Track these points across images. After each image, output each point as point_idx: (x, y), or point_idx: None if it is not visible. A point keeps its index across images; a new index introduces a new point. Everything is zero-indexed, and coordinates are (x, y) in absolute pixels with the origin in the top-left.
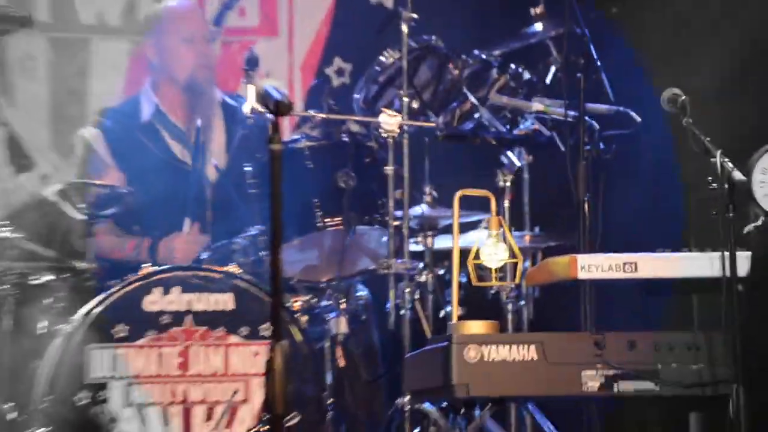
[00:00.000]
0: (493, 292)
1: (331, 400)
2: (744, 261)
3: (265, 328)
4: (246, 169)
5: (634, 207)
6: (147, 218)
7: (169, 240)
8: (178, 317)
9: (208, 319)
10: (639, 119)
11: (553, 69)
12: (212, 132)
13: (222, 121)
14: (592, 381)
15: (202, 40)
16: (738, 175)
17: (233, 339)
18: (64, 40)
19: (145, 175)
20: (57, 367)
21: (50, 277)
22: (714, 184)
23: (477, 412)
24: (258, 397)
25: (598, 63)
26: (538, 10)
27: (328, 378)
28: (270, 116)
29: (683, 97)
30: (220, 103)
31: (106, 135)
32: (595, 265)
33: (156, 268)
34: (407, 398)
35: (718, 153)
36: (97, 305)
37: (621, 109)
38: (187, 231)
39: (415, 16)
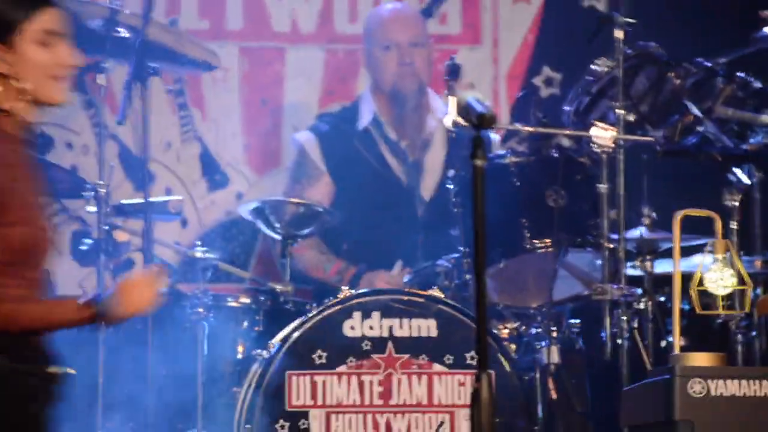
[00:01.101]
0: (719, 321)
1: None
2: None
3: (471, 357)
4: (448, 186)
5: None
6: (354, 237)
7: (373, 275)
8: (379, 343)
9: (410, 346)
10: None
11: None
12: (430, 147)
13: (443, 135)
14: None
15: (407, 48)
16: None
17: (437, 367)
18: (258, 50)
19: (358, 188)
20: (256, 393)
21: (246, 300)
22: None
23: None
24: (464, 430)
25: None
26: (766, 13)
27: (539, 411)
28: (473, 130)
29: None
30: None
31: (321, 140)
32: None
33: (355, 291)
34: None
35: None
36: (295, 329)
37: None
38: (396, 274)
39: (630, 20)
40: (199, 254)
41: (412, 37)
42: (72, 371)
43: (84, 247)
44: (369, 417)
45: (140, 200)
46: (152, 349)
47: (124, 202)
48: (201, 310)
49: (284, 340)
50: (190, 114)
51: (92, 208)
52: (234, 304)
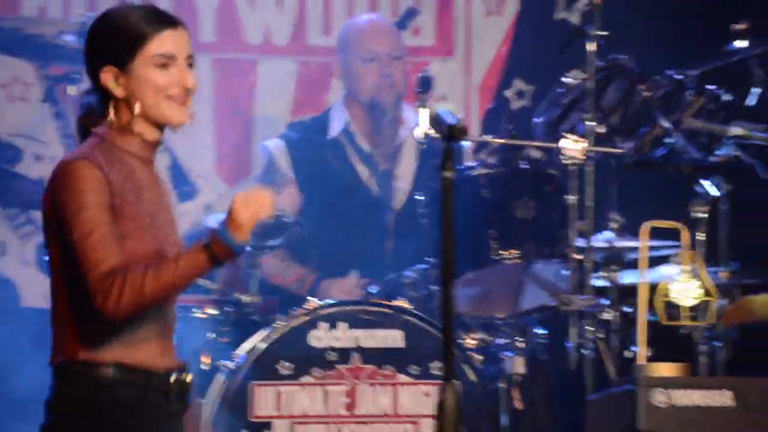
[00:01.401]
0: (684, 332)
1: None
2: None
3: (437, 367)
4: (418, 197)
5: None
6: (321, 246)
7: (330, 283)
8: (344, 354)
9: (377, 357)
10: None
11: (756, 90)
12: (401, 157)
13: (414, 147)
14: None
15: (387, 59)
16: None
17: (403, 378)
18: (230, 61)
19: (326, 197)
20: (221, 405)
21: (213, 311)
22: None
23: None
24: None
25: None
26: (742, 25)
27: (504, 421)
28: (443, 142)
29: None
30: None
31: (290, 148)
32: None
33: (322, 302)
34: None
35: None
36: (261, 340)
37: None
38: (352, 282)
39: (602, 33)
40: None
41: (391, 49)
42: (190, 379)
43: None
44: (334, 428)
45: None
46: None
47: None
48: None
49: (250, 351)
50: None
51: None
52: (200, 315)
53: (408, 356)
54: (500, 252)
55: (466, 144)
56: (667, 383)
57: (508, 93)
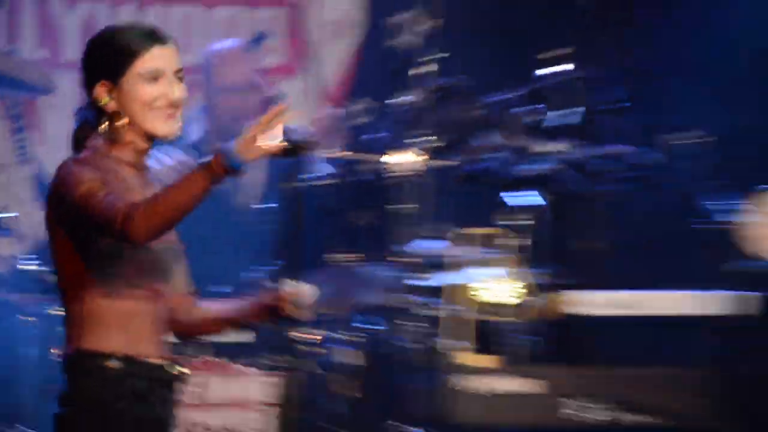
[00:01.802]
0: (502, 326)
1: None
2: None
3: (283, 359)
4: (264, 205)
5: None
6: None
7: None
8: (196, 348)
9: (227, 350)
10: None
11: (579, 110)
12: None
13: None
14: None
15: (242, 88)
16: None
17: (248, 369)
18: None
19: None
20: None
21: None
22: None
23: None
24: (272, 428)
25: (628, 104)
26: (567, 50)
27: (341, 409)
28: (289, 155)
29: None
30: None
31: None
32: (591, 302)
33: None
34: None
35: None
36: None
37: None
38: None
39: (440, 55)
40: (32, 266)
41: (244, 79)
42: (187, 371)
43: None
44: (186, 415)
45: None
46: None
47: None
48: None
49: None
50: (25, 137)
51: None
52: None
53: (256, 349)
54: (339, 255)
55: (315, 158)
56: (479, 372)
57: (353, 110)
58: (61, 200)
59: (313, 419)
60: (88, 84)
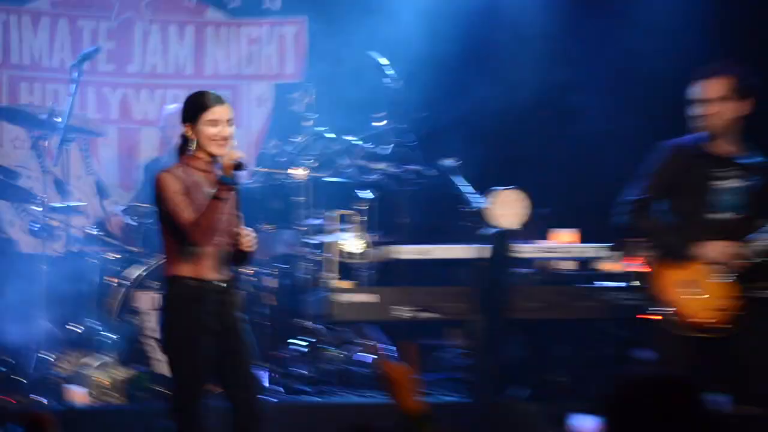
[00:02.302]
0: (352, 265)
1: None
2: None
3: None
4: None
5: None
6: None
7: None
8: None
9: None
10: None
11: (389, 146)
12: None
13: None
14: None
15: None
16: None
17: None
18: None
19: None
20: (123, 301)
21: (117, 255)
22: None
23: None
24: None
25: (414, 143)
26: (382, 113)
27: (264, 312)
28: (237, 169)
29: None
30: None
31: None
32: (401, 251)
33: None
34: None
35: None
36: (143, 270)
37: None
38: None
39: (313, 115)
40: (94, 232)
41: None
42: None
43: (35, 228)
44: None
45: (63, 205)
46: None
47: (55, 205)
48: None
49: (137, 275)
50: (90, 160)
51: (38, 208)
52: (111, 257)
53: None
54: (265, 226)
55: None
56: (343, 290)
57: (269, 145)
58: (159, 202)
59: (251, 316)
60: (183, 124)
